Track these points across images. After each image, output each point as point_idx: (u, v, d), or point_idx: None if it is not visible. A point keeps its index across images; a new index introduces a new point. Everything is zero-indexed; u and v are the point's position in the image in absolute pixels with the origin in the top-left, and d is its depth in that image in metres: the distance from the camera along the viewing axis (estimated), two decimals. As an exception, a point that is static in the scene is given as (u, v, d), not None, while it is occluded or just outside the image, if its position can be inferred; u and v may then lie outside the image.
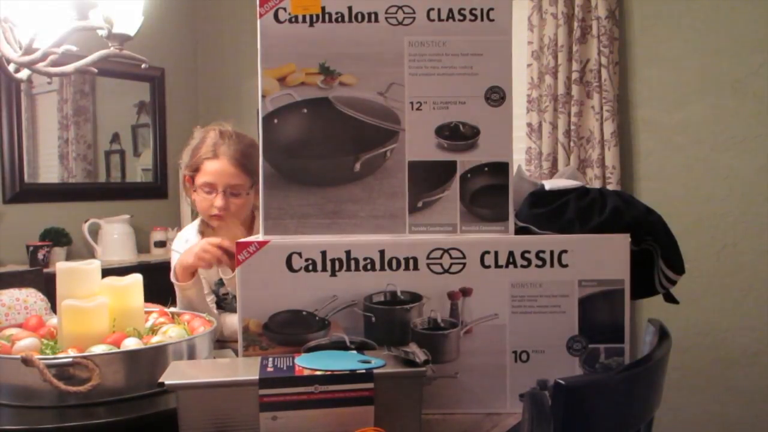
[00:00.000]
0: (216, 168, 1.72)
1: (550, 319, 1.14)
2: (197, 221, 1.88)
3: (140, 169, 3.88)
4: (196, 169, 1.76)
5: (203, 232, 1.84)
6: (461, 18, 1.15)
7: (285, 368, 0.99)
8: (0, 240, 3.17)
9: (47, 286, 2.39)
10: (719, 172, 2.62)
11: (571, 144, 2.77)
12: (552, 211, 1.20)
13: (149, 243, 3.63)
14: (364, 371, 0.97)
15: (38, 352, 1.16)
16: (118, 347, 1.16)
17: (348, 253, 1.12)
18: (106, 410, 1.07)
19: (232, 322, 1.70)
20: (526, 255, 1.13)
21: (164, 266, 1.88)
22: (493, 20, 1.15)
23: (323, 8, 1.14)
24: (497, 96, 1.16)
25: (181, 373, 1.00)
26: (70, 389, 1.05)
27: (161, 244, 3.60)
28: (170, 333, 1.25)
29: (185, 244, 1.82)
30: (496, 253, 1.13)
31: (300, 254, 1.12)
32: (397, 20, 1.15)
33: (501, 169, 1.16)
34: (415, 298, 1.13)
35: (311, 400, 0.96)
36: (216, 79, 4.05)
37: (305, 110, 1.15)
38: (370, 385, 0.97)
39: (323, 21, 1.14)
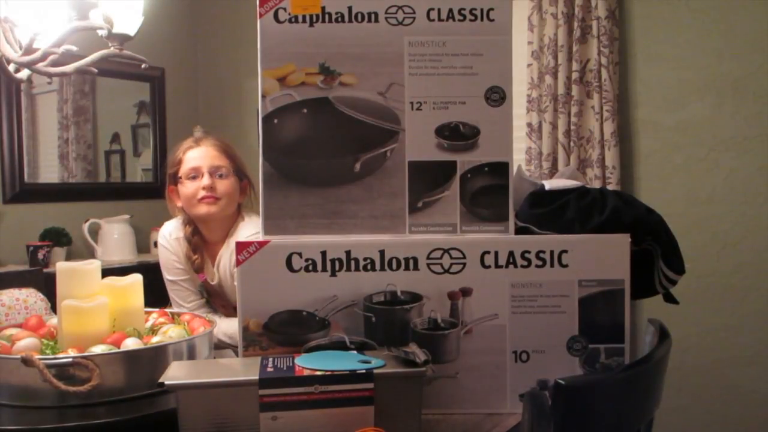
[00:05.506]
0: (199, 153, 1.78)
1: (550, 319, 1.14)
2: (179, 218, 1.86)
3: (140, 169, 3.88)
4: (178, 163, 1.79)
5: (192, 236, 1.80)
6: (461, 18, 1.15)
7: (285, 368, 0.99)
8: (0, 240, 3.17)
9: (47, 286, 2.39)
10: (719, 172, 2.62)
11: (571, 144, 2.77)
12: (552, 211, 1.20)
13: (149, 243, 3.63)
14: (364, 371, 0.97)
15: (38, 352, 1.16)
16: (118, 347, 1.16)
17: (348, 253, 1.12)
18: (106, 410, 1.07)
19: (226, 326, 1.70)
20: (526, 255, 1.13)
21: (164, 266, 1.88)
22: (493, 20, 1.15)
23: (323, 8, 1.14)
24: (497, 96, 1.16)
25: (181, 373, 1.00)
26: (70, 389, 1.05)
27: (161, 244, 3.59)
28: (170, 333, 1.25)
29: (169, 237, 1.82)
30: (496, 253, 1.13)
31: (300, 254, 1.12)
32: (397, 20, 1.15)
33: (501, 169, 1.16)
34: (415, 298, 1.13)
35: (311, 400, 0.96)
36: (216, 79, 4.05)
37: (305, 110, 1.15)
38: (370, 385, 0.97)
39: (323, 21, 1.14)
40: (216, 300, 1.84)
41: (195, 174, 1.75)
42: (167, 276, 1.83)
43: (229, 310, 1.80)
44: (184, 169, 1.77)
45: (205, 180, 1.74)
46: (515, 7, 2.55)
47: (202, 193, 1.73)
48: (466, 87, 1.15)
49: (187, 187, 1.76)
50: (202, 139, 1.81)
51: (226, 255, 1.77)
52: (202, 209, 1.75)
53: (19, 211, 3.26)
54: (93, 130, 3.62)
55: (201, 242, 1.81)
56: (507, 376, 1.14)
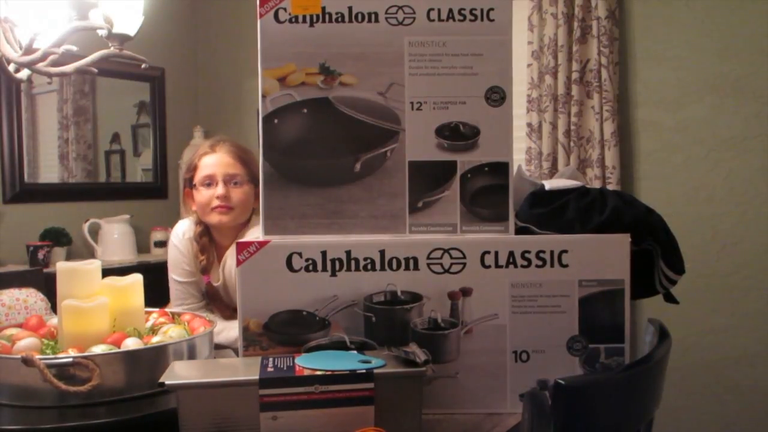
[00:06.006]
0: (214, 160, 1.76)
1: (550, 319, 1.14)
2: (191, 218, 1.85)
3: (140, 169, 3.88)
4: (194, 168, 1.78)
5: (201, 237, 1.80)
6: (461, 18, 1.15)
7: (285, 368, 0.99)
8: (0, 240, 3.17)
9: (47, 286, 2.39)
10: (719, 172, 2.62)
11: (571, 144, 2.77)
12: (552, 211, 1.20)
13: (149, 243, 3.63)
14: (364, 371, 0.97)
15: (38, 352, 1.16)
16: (118, 347, 1.16)
17: (348, 253, 1.12)
18: (106, 410, 1.07)
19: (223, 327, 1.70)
20: (526, 255, 1.13)
21: (164, 266, 1.88)
22: (493, 20, 1.15)
23: (323, 8, 1.14)
24: (497, 96, 1.16)
25: (181, 373, 1.00)
26: (70, 389, 1.05)
27: (161, 244, 3.59)
28: (170, 333, 1.25)
29: (182, 237, 1.82)
30: (496, 253, 1.13)
31: (300, 254, 1.12)
32: (397, 20, 1.15)
33: (501, 169, 1.16)
34: (415, 298, 1.13)
35: (311, 400, 0.96)
36: (216, 79, 4.05)
37: (305, 110, 1.15)
38: (370, 385, 0.97)
39: (323, 21, 1.14)
40: (215, 304, 1.83)
41: (209, 182, 1.74)
42: (173, 275, 1.83)
43: (227, 314, 1.80)
44: (199, 176, 1.76)
45: (219, 189, 1.72)
46: (515, 7, 2.54)
47: (215, 203, 1.72)
48: (466, 87, 1.15)
49: (201, 195, 1.75)
50: (218, 144, 1.79)
51: (232, 256, 1.76)
52: (215, 218, 1.74)
53: (19, 211, 3.26)
54: (93, 130, 3.62)
55: (209, 244, 1.81)
56: (507, 376, 1.14)
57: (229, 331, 1.66)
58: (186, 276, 1.81)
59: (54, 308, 1.64)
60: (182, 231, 1.83)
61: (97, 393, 1.07)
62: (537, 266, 1.13)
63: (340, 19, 1.14)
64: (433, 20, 1.15)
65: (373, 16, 1.14)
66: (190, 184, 1.79)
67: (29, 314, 2.14)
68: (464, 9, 1.15)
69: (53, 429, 1.02)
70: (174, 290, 1.83)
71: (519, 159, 2.87)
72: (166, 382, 0.95)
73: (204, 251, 1.79)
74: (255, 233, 1.74)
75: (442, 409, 1.14)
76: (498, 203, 1.17)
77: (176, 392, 0.95)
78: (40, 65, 1.79)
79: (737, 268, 2.60)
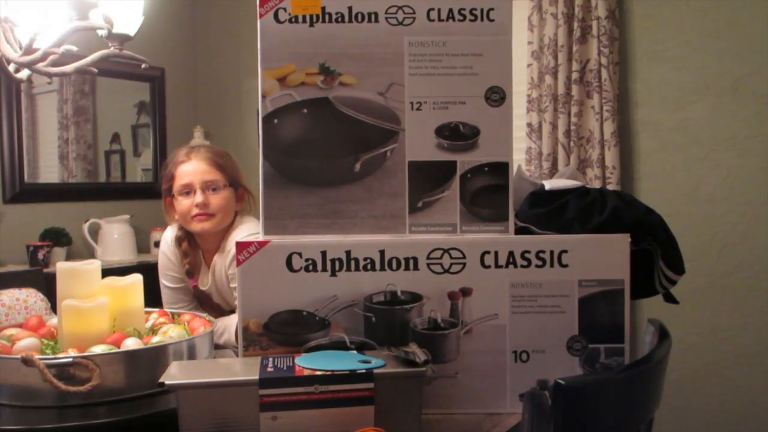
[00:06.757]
0: (190, 168, 1.75)
1: (550, 319, 1.14)
2: (176, 226, 1.86)
3: (140, 169, 3.88)
4: (171, 178, 1.77)
5: (180, 242, 1.81)
6: (461, 18, 1.15)
7: (285, 368, 0.99)
8: (0, 240, 3.17)
9: (47, 286, 2.39)
10: (719, 172, 2.62)
11: (571, 144, 2.77)
12: (552, 211, 1.20)
13: (149, 243, 3.63)
14: (364, 371, 0.97)
15: (38, 352, 1.16)
16: (118, 347, 1.16)
17: (348, 253, 1.12)
18: (106, 410, 1.07)
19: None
20: (526, 255, 1.13)
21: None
22: (493, 20, 1.15)
23: (323, 8, 1.14)
24: (497, 96, 1.16)
25: (181, 373, 1.00)
26: (70, 389, 1.05)
27: (161, 244, 3.59)
28: (170, 333, 1.25)
29: (170, 243, 1.83)
30: (496, 253, 1.13)
31: (300, 254, 1.12)
32: (397, 20, 1.15)
33: (501, 169, 1.16)
34: (415, 298, 1.13)
35: (311, 400, 0.96)
36: (216, 79, 4.05)
37: (305, 110, 1.15)
38: (370, 385, 0.97)
39: (323, 21, 1.14)
40: (203, 307, 1.84)
41: (188, 190, 1.74)
42: (163, 281, 1.85)
43: (213, 315, 1.80)
44: (176, 186, 1.76)
45: (198, 197, 1.72)
46: (515, 7, 2.55)
47: (195, 211, 1.72)
48: (466, 87, 1.15)
49: (181, 204, 1.75)
50: (194, 151, 1.79)
51: (220, 260, 1.77)
52: (197, 226, 1.74)
53: (19, 211, 3.26)
54: (93, 130, 3.62)
55: (190, 248, 1.81)
56: (507, 376, 1.14)
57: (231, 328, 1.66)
58: (174, 282, 1.83)
59: (54, 308, 1.64)
60: (170, 238, 1.84)
61: (97, 393, 1.07)
62: (537, 266, 1.13)
63: (339, 19, 1.14)
64: (433, 20, 1.15)
65: (373, 16, 1.14)
66: (169, 193, 1.79)
67: (29, 314, 2.14)
68: (464, 9, 1.15)
69: (53, 429, 1.02)
70: (164, 294, 1.85)
71: (519, 159, 2.87)
72: (166, 382, 0.95)
73: (187, 256, 1.79)
74: (241, 234, 1.74)
75: (442, 409, 1.13)
76: (498, 203, 1.17)
77: (176, 392, 0.95)
78: (40, 65, 1.79)
79: (737, 268, 2.60)
